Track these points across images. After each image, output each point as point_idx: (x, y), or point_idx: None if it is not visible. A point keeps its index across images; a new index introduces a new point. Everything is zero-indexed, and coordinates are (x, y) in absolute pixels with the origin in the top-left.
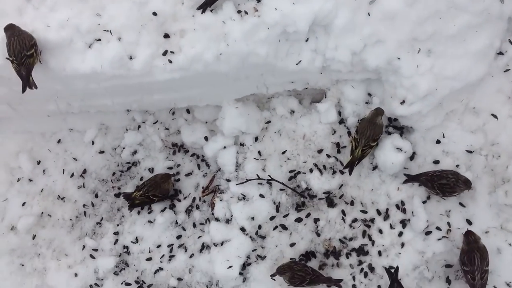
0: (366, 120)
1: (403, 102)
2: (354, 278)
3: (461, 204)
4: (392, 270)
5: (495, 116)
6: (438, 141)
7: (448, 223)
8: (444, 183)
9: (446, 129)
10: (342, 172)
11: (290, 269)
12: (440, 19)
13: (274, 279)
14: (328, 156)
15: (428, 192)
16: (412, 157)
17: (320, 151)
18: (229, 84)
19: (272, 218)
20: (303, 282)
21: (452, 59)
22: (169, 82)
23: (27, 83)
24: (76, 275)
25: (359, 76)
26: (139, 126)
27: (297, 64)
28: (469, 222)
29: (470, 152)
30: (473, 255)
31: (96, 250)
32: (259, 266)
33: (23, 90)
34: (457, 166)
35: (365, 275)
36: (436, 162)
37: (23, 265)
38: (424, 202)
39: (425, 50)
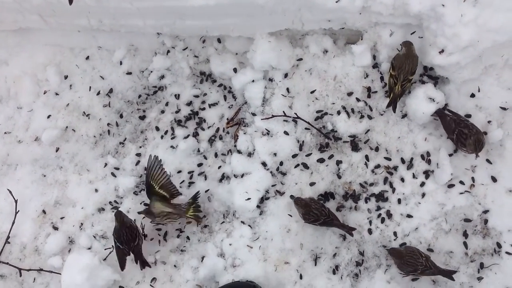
0: (403, 55)
1: (442, 51)
2: (370, 222)
3: (488, 160)
4: None
5: None
6: (472, 95)
7: (473, 178)
8: (465, 133)
9: (482, 83)
10: (370, 117)
11: (307, 206)
12: None
13: (291, 215)
14: (358, 100)
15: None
16: (443, 109)
17: (350, 94)
18: (264, 16)
19: (294, 156)
20: (316, 221)
21: (498, 11)
22: (203, 8)
23: None
24: (96, 190)
25: (399, 21)
26: (168, 51)
27: (337, 1)
28: (494, 179)
29: (504, 109)
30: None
31: (117, 168)
32: (277, 201)
33: (70, 2)
34: (489, 122)
35: (382, 220)
36: (468, 116)
37: (45, 176)
38: (450, 155)
39: None
